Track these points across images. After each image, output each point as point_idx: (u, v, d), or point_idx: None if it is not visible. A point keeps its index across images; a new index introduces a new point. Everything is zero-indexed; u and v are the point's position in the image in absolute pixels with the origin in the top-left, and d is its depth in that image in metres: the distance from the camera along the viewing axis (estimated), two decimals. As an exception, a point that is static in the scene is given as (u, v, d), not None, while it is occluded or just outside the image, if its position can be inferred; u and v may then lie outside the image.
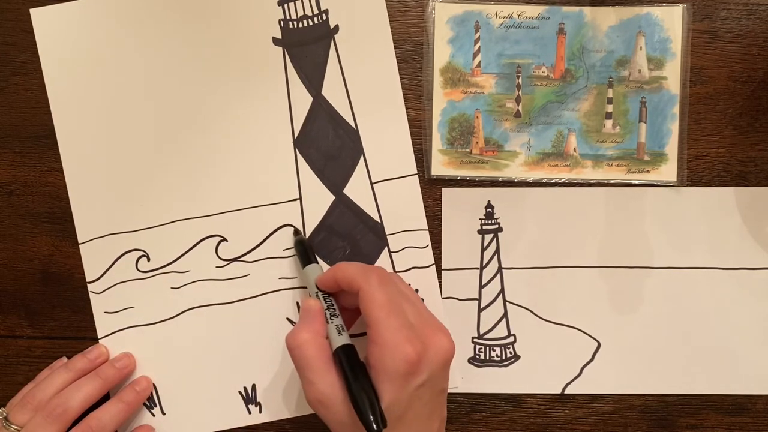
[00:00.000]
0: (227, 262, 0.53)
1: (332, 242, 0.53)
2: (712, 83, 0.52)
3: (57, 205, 0.53)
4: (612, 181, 0.52)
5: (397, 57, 0.52)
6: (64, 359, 0.52)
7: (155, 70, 0.52)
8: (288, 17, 0.52)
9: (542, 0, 0.52)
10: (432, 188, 0.52)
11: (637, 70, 0.52)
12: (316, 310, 0.45)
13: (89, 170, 0.53)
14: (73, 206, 0.53)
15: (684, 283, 0.52)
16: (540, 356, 0.52)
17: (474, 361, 0.53)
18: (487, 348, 0.53)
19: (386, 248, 0.53)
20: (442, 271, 0.53)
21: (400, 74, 0.52)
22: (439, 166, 0.52)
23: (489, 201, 0.52)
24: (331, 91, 0.52)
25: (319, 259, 0.51)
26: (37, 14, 0.52)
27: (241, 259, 0.53)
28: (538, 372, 0.52)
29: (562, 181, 0.52)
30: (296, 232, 0.52)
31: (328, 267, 0.48)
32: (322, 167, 0.53)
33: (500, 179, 0.52)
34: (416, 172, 0.52)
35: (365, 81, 0.52)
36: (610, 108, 0.52)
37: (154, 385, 0.53)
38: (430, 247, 0.52)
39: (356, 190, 0.52)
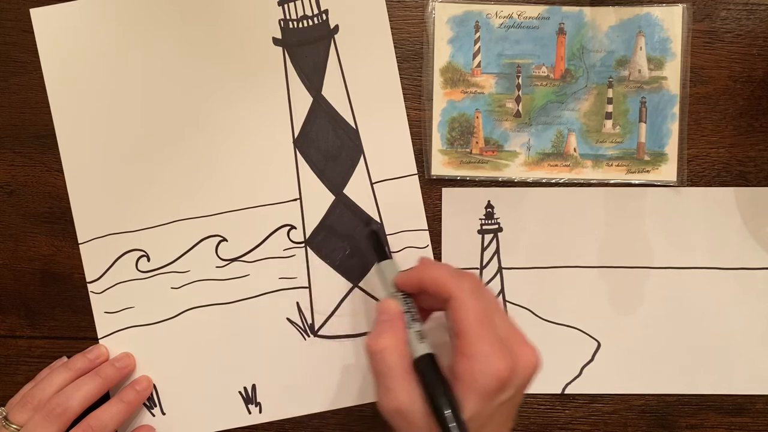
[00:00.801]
0: (227, 262, 0.53)
1: (332, 242, 0.53)
2: (712, 83, 0.52)
3: (57, 205, 0.53)
4: (612, 181, 0.52)
5: (397, 57, 0.52)
6: (64, 359, 0.52)
7: (155, 70, 0.52)
8: (288, 17, 0.52)
9: (542, 0, 0.52)
10: (432, 188, 0.52)
11: (637, 70, 0.52)
12: (397, 314, 0.42)
13: (89, 170, 0.53)
14: (73, 206, 0.53)
15: (684, 283, 0.52)
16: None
17: (474, 361, 0.53)
18: (487, 348, 0.53)
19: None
20: (442, 271, 0.52)
21: (400, 74, 0.52)
22: (439, 166, 0.52)
23: (489, 201, 0.52)
24: (331, 91, 0.52)
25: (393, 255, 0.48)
26: (37, 14, 0.52)
27: (241, 259, 0.53)
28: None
29: (562, 181, 0.52)
30: (368, 222, 0.49)
31: (383, 262, 0.46)
32: (322, 167, 0.53)
33: (500, 179, 0.52)
34: (416, 172, 0.52)
35: (365, 81, 0.52)
36: (610, 108, 0.52)
37: (154, 385, 0.53)
38: (430, 247, 0.52)
39: (356, 190, 0.52)
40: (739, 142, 0.52)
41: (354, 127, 0.52)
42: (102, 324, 0.53)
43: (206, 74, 0.52)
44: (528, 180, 0.52)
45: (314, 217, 0.53)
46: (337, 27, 0.52)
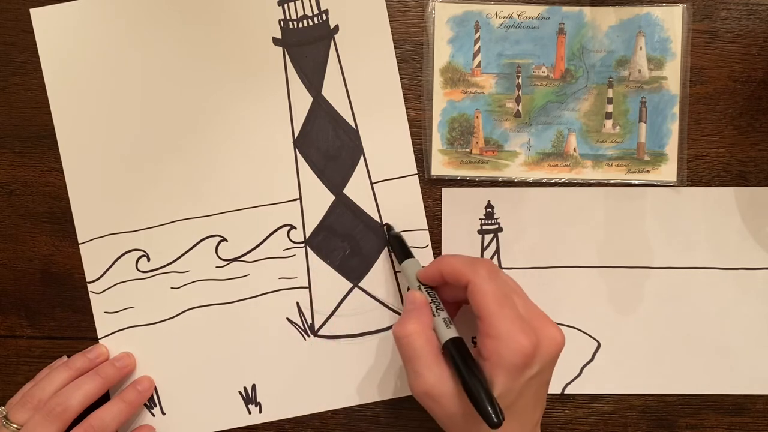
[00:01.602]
0: (227, 262, 0.53)
1: (332, 242, 0.53)
2: (712, 83, 0.52)
3: (57, 205, 0.53)
4: (612, 181, 0.52)
5: (397, 57, 0.52)
6: (64, 358, 0.52)
7: (155, 70, 0.52)
8: (288, 17, 0.52)
9: (542, 0, 0.52)
10: (432, 188, 0.52)
11: (637, 70, 0.52)
12: (422, 302, 0.45)
13: (89, 170, 0.53)
14: (73, 206, 0.53)
15: (684, 283, 0.52)
16: (540, 356, 0.52)
17: (474, 361, 0.53)
18: (487, 348, 0.53)
19: (386, 248, 0.53)
20: (442, 271, 0.53)
21: (400, 74, 0.52)
22: (439, 166, 0.52)
23: (489, 201, 0.52)
24: (331, 91, 0.52)
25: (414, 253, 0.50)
26: (37, 14, 0.52)
27: (241, 259, 0.53)
28: (538, 372, 0.52)
29: (562, 181, 0.52)
30: (389, 228, 0.52)
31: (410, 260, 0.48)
32: (322, 167, 0.53)
33: (500, 179, 0.52)
34: (416, 172, 0.52)
35: (365, 81, 0.52)
36: (610, 108, 0.52)
37: (155, 386, 0.53)
38: (430, 247, 0.52)
39: (356, 190, 0.52)
40: (739, 142, 0.52)
41: (354, 127, 0.52)
42: (102, 324, 0.53)
43: (206, 74, 0.52)
44: (528, 180, 0.52)
45: (314, 217, 0.53)
46: (337, 27, 0.52)
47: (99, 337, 0.53)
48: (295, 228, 0.53)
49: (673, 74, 0.51)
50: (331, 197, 0.53)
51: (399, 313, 0.52)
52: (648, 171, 0.52)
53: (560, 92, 0.52)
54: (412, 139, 0.52)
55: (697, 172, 0.52)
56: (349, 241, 0.53)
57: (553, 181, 0.52)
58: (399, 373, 0.53)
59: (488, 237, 0.53)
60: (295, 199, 0.53)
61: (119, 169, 0.53)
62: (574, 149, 0.52)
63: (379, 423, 0.53)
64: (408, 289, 0.47)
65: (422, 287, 0.46)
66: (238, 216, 0.53)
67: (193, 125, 0.52)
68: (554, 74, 0.52)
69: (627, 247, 0.52)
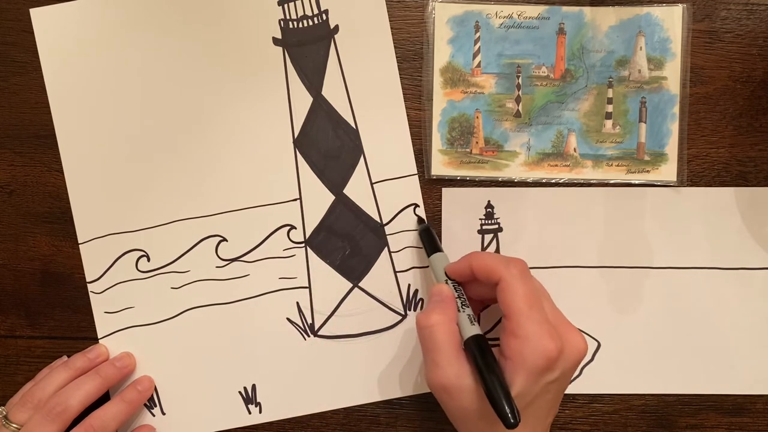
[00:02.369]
0: (227, 262, 0.53)
1: (332, 242, 0.53)
2: (712, 83, 0.52)
3: (57, 205, 0.53)
4: (612, 181, 0.52)
5: (397, 57, 0.52)
6: (65, 358, 0.52)
7: (155, 70, 0.52)
8: (288, 17, 0.52)
9: (542, 0, 0.52)
10: (432, 188, 0.52)
11: (637, 70, 0.52)
12: (448, 296, 0.45)
13: (89, 170, 0.53)
14: (73, 206, 0.53)
15: (684, 283, 0.52)
16: (540, 356, 0.52)
17: (474, 361, 0.53)
18: (487, 348, 0.53)
19: (386, 248, 0.53)
20: (442, 271, 0.53)
21: (400, 74, 0.52)
22: (439, 166, 0.52)
23: (489, 201, 0.52)
24: (331, 91, 0.52)
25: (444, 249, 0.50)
26: (37, 14, 0.52)
27: (241, 259, 0.53)
28: (538, 372, 0.52)
29: (562, 181, 0.52)
30: (420, 220, 0.52)
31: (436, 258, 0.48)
32: (322, 167, 0.53)
33: (500, 179, 0.52)
34: (416, 172, 0.52)
35: (365, 81, 0.52)
36: (610, 108, 0.52)
37: (155, 386, 0.53)
38: (430, 247, 0.52)
39: (356, 190, 0.52)
40: (739, 142, 0.52)
41: (354, 127, 0.52)
42: (102, 324, 0.53)
43: (206, 74, 0.52)
44: (528, 180, 0.52)
45: (314, 217, 0.53)
46: (337, 27, 0.52)
47: (99, 337, 0.53)
48: (295, 228, 0.53)
49: (673, 74, 0.51)
50: (331, 197, 0.53)
51: (399, 313, 0.52)
52: (648, 171, 0.52)
53: (560, 92, 0.52)
54: (412, 139, 0.52)
55: (697, 172, 0.52)
56: (349, 241, 0.53)
57: (553, 181, 0.52)
58: (399, 373, 0.53)
59: (488, 237, 0.53)
60: (295, 199, 0.53)
61: (119, 169, 0.53)
62: (574, 149, 0.52)
63: (379, 423, 0.53)
64: (436, 284, 0.47)
65: (449, 282, 0.46)
66: (238, 216, 0.53)
67: (193, 125, 0.52)
68: (554, 74, 0.52)
69: (627, 247, 0.52)
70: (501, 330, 0.43)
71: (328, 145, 0.52)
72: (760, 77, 0.52)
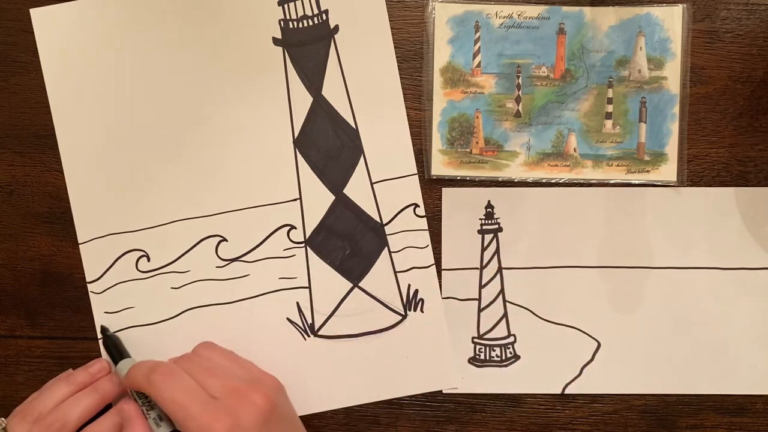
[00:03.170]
0: (227, 262, 0.53)
1: (332, 242, 0.53)
2: (712, 83, 0.52)
3: (57, 205, 0.53)
4: (612, 181, 0.52)
5: (397, 57, 0.52)
6: (71, 371, 0.52)
7: (155, 70, 0.52)
8: (288, 17, 0.52)
9: (542, 0, 0.52)
10: (432, 188, 0.52)
11: (637, 70, 0.52)
12: (132, 413, 0.48)
13: (89, 170, 0.53)
14: (73, 206, 0.53)
15: (684, 283, 0.52)
16: (540, 356, 0.52)
17: (474, 361, 0.53)
18: (487, 348, 0.53)
19: (386, 248, 0.53)
20: (442, 271, 0.53)
21: (400, 74, 0.52)
22: (439, 166, 0.52)
23: (489, 201, 0.52)
24: (331, 91, 0.52)
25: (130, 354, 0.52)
26: (37, 14, 0.52)
27: (241, 259, 0.53)
28: (538, 372, 0.52)
29: (562, 181, 0.52)
30: (103, 329, 0.53)
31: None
32: (322, 167, 0.53)
33: (500, 179, 0.52)
34: (416, 172, 0.52)
35: (365, 81, 0.52)
36: (610, 108, 0.52)
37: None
38: (430, 247, 0.52)
39: (356, 190, 0.52)
40: (739, 142, 0.52)
41: (354, 127, 0.52)
42: (102, 324, 0.53)
43: (206, 74, 0.52)
44: (528, 180, 0.52)
45: (314, 217, 0.53)
46: (337, 27, 0.52)
47: (99, 337, 0.53)
48: (295, 228, 0.53)
49: (673, 74, 0.51)
50: (331, 197, 0.53)
51: (399, 313, 0.52)
52: (648, 171, 0.52)
53: (560, 92, 0.52)
54: (412, 139, 0.52)
55: (697, 172, 0.52)
56: (349, 241, 0.53)
57: (553, 181, 0.52)
58: (399, 373, 0.53)
59: (488, 237, 0.53)
60: (295, 199, 0.53)
61: (119, 169, 0.53)
62: (574, 149, 0.52)
63: (379, 423, 0.53)
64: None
65: (132, 391, 0.49)
66: (238, 216, 0.53)
67: (193, 125, 0.52)
68: (554, 74, 0.52)
69: (627, 247, 0.52)
70: None
71: (328, 145, 0.52)
72: (760, 77, 0.52)
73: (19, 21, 0.53)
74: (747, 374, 0.52)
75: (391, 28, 0.52)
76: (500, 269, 0.53)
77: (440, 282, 0.53)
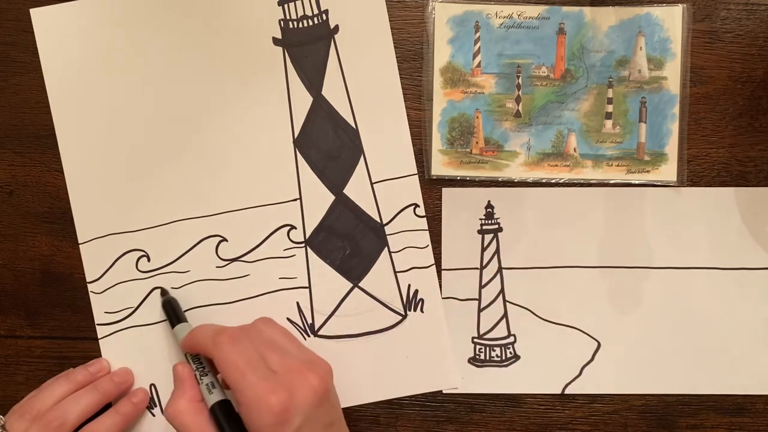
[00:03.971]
0: (227, 262, 0.53)
1: (332, 242, 0.53)
2: (712, 83, 0.52)
3: (57, 205, 0.53)
4: (612, 181, 0.52)
5: (397, 57, 0.52)
6: (71, 370, 0.52)
7: (155, 70, 0.52)
8: (288, 17, 0.52)
9: (542, 0, 0.52)
10: (432, 188, 0.52)
11: (637, 70, 0.52)
12: (185, 375, 0.47)
13: (89, 170, 0.53)
14: (73, 206, 0.53)
15: (684, 283, 0.52)
16: (540, 356, 0.52)
17: (474, 361, 0.53)
18: (487, 348, 0.53)
19: (386, 248, 0.53)
20: (442, 271, 0.53)
21: (400, 74, 0.52)
22: (439, 166, 0.52)
23: (489, 201, 0.52)
24: (331, 91, 0.52)
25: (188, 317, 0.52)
26: (37, 14, 0.52)
27: (241, 259, 0.53)
28: (538, 372, 0.52)
29: (562, 181, 0.52)
30: (163, 292, 0.52)
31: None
32: (322, 167, 0.53)
33: (500, 179, 0.52)
34: (416, 172, 0.52)
35: (365, 81, 0.52)
36: (610, 108, 0.52)
37: (154, 385, 0.53)
38: (430, 247, 0.52)
39: (356, 190, 0.52)
40: (739, 142, 0.52)
41: (354, 127, 0.52)
42: (102, 324, 0.53)
43: (206, 74, 0.52)
44: (528, 180, 0.52)
45: (314, 217, 0.53)
46: (337, 27, 0.52)
47: (99, 337, 0.53)
48: (295, 228, 0.53)
49: (673, 74, 0.51)
50: (331, 197, 0.53)
51: (399, 313, 0.52)
52: (648, 171, 0.52)
53: (560, 92, 0.52)
54: (412, 139, 0.52)
55: (697, 172, 0.52)
56: (349, 241, 0.53)
57: (553, 181, 0.52)
58: (399, 373, 0.53)
59: (488, 237, 0.53)
60: (295, 199, 0.53)
61: (119, 169, 0.53)
62: (574, 149, 0.52)
63: (379, 423, 0.53)
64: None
65: (187, 355, 0.48)
66: (238, 216, 0.53)
67: (193, 125, 0.52)
68: (554, 74, 0.52)
69: (627, 247, 0.52)
70: None
71: (328, 145, 0.52)
72: (760, 77, 0.52)
73: (19, 21, 0.53)
74: (747, 374, 0.52)
75: (391, 28, 0.52)
76: (500, 269, 0.53)
77: (440, 282, 0.53)
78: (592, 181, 0.52)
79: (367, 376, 0.53)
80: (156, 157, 0.53)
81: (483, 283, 0.53)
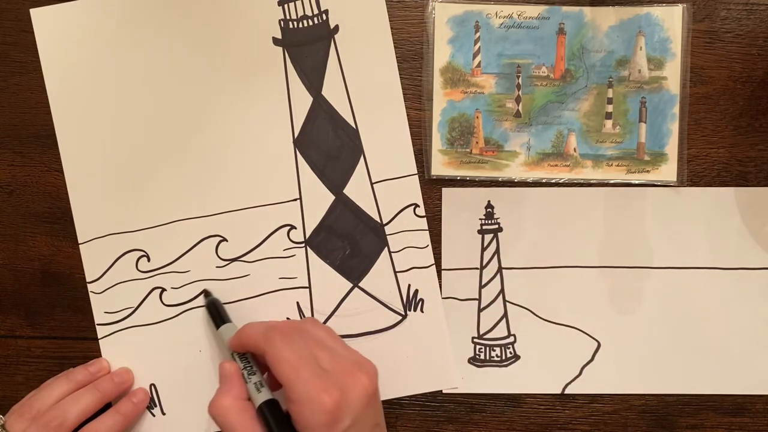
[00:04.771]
0: (227, 262, 0.53)
1: (332, 242, 0.53)
2: (712, 83, 0.52)
3: (57, 205, 0.53)
4: (612, 181, 0.52)
5: (397, 57, 0.52)
6: (70, 370, 0.52)
7: (155, 70, 0.52)
8: (288, 17, 0.52)
9: (542, 0, 0.52)
10: (432, 188, 0.52)
11: (637, 70, 0.52)
12: (232, 373, 0.46)
13: (89, 170, 0.53)
14: (73, 206, 0.53)
15: (684, 283, 0.52)
16: (540, 356, 0.52)
17: (474, 361, 0.53)
18: (487, 348, 0.53)
19: (386, 248, 0.53)
20: (442, 271, 0.53)
21: (400, 74, 0.52)
22: (439, 166, 0.52)
23: (489, 201, 0.52)
24: (331, 91, 0.52)
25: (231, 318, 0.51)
26: (37, 14, 0.52)
27: (241, 259, 0.53)
28: (538, 372, 0.52)
29: (562, 181, 0.52)
30: (206, 293, 0.52)
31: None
32: (322, 167, 0.53)
33: (500, 179, 0.52)
34: (416, 172, 0.52)
35: (365, 81, 0.52)
36: (610, 108, 0.52)
37: (154, 385, 0.53)
38: (430, 247, 0.52)
39: (356, 190, 0.52)
40: (739, 142, 0.52)
41: (354, 127, 0.52)
42: (102, 324, 0.53)
43: (206, 74, 0.52)
44: (528, 180, 0.52)
45: (314, 217, 0.53)
46: (337, 27, 0.52)
47: (99, 337, 0.53)
48: (295, 228, 0.53)
49: (673, 74, 0.51)
50: (331, 197, 0.53)
51: (399, 313, 0.52)
52: (648, 171, 0.52)
53: (560, 92, 0.52)
54: (412, 139, 0.52)
55: (697, 172, 0.52)
56: (349, 241, 0.53)
57: (553, 181, 0.52)
58: (399, 373, 0.53)
59: (488, 237, 0.53)
60: (295, 199, 0.53)
61: (119, 169, 0.53)
62: (574, 149, 0.52)
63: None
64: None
65: (234, 354, 0.47)
66: (238, 216, 0.53)
67: (193, 125, 0.52)
68: (554, 74, 0.52)
69: (627, 247, 0.52)
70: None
71: (328, 145, 0.52)
72: (760, 77, 0.52)
73: (19, 21, 0.53)
74: (747, 374, 0.52)
75: (391, 28, 0.52)
76: (500, 269, 0.53)
77: (440, 282, 0.53)
78: (592, 181, 0.52)
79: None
80: (156, 157, 0.53)
81: (483, 283, 0.53)
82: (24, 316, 0.54)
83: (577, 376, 0.52)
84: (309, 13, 0.52)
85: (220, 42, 0.52)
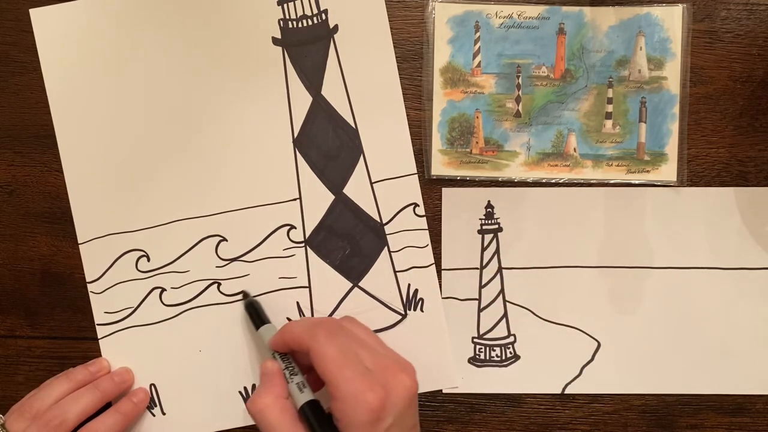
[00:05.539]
0: (227, 262, 0.53)
1: (332, 242, 0.53)
2: (712, 83, 0.52)
3: (57, 205, 0.53)
4: (612, 181, 0.52)
5: (397, 57, 0.52)
6: (70, 370, 0.52)
7: (155, 70, 0.52)
8: (288, 17, 0.52)
9: (542, 0, 0.52)
10: (432, 188, 0.52)
11: (637, 70, 0.52)
12: (274, 372, 0.46)
13: (89, 170, 0.53)
14: (73, 206, 0.53)
15: (684, 283, 0.52)
16: (540, 356, 0.52)
17: (474, 361, 0.53)
18: (487, 348, 0.53)
19: (386, 248, 0.53)
20: (442, 271, 0.53)
21: (400, 74, 0.52)
22: (439, 166, 0.52)
23: (489, 201, 0.52)
24: (331, 91, 0.52)
25: (270, 319, 0.51)
26: (37, 14, 0.52)
27: (241, 259, 0.53)
28: (538, 372, 0.52)
29: (562, 181, 0.52)
30: (245, 295, 0.52)
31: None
32: (321, 167, 0.53)
33: (500, 179, 0.52)
34: (416, 172, 0.52)
35: (365, 81, 0.52)
36: (610, 108, 0.52)
37: (154, 385, 0.53)
38: (430, 247, 0.52)
39: (356, 189, 0.52)
40: (739, 142, 0.52)
41: (354, 126, 0.52)
42: (102, 324, 0.53)
43: (206, 74, 0.52)
44: (528, 180, 0.52)
45: (314, 217, 0.53)
46: (336, 27, 0.52)
47: (99, 337, 0.53)
48: (295, 228, 0.53)
49: (673, 74, 0.51)
50: (331, 197, 0.53)
51: (399, 313, 0.52)
52: (648, 171, 0.52)
53: (560, 92, 0.52)
54: (412, 139, 0.52)
55: (697, 172, 0.52)
56: (349, 240, 0.53)
57: (553, 181, 0.52)
58: (399, 373, 0.52)
59: (488, 237, 0.53)
60: (295, 199, 0.53)
61: (119, 169, 0.53)
62: (574, 149, 0.52)
63: (379, 423, 0.53)
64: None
65: (276, 354, 0.47)
66: (238, 216, 0.53)
67: (192, 125, 0.52)
68: (554, 74, 0.52)
69: (627, 247, 0.52)
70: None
71: (328, 144, 0.52)
72: (760, 77, 0.52)
73: (19, 21, 0.53)
74: (747, 374, 0.52)
75: (391, 28, 0.52)
76: (500, 269, 0.53)
77: (440, 282, 0.53)
78: (592, 181, 0.52)
79: (367, 376, 0.52)
80: (156, 157, 0.53)
81: (483, 283, 0.53)
82: (24, 316, 0.54)
83: (577, 376, 0.52)
84: (308, 12, 0.52)
85: (219, 42, 0.52)
